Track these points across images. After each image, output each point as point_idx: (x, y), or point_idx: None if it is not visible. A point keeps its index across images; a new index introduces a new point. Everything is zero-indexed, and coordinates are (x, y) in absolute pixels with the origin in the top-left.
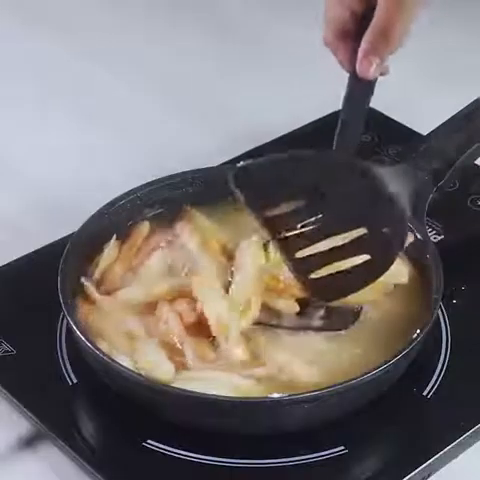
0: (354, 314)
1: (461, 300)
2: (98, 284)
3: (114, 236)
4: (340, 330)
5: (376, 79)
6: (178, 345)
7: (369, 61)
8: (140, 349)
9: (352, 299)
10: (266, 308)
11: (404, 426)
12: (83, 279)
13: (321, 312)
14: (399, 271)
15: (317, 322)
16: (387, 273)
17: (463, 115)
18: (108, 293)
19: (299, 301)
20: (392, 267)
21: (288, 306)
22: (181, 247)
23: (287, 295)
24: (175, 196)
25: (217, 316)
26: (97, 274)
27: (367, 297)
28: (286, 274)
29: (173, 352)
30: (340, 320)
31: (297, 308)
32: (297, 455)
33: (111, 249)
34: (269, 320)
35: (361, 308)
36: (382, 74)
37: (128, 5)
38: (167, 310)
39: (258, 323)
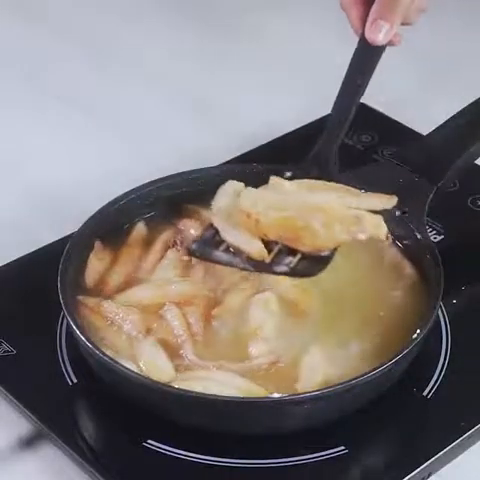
0: (323, 262)
1: (461, 300)
2: (96, 286)
3: (98, 242)
4: (306, 277)
5: (383, 48)
6: (179, 345)
7: (378, 26)
8: (140, 349)
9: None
10: (237, 250)
11: (404, 426)
12: (80, 297)
13: (289, 259)
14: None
15: (282, 268)
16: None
17: (463, 115)
18: (109, 296)
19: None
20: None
21: (258, 253)
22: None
23: (258, 233)
24: (175, 196)
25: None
26: (94, 279)
27: (338, 239)
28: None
29: (174, 352)
30: (307, 267)
31: (266, 255)
32: (297, 455)
33: (100, 254)
34: (237, 262)
35: (331, 255)
36: (391, 43)
37: (128, 5)
38: (173, 310)
39: (225, 264)
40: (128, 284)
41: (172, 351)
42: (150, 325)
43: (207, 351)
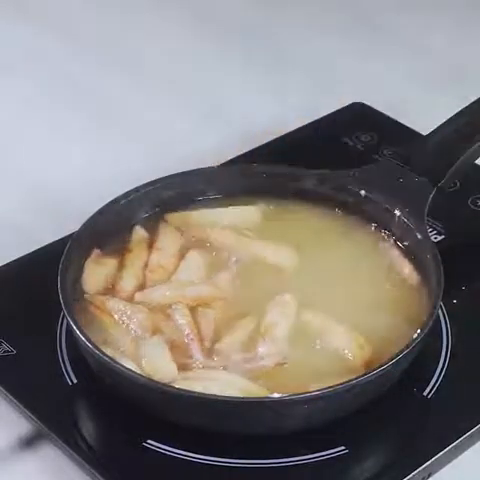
0: None
1: (461, 300)
2: (103, 290)
3: (96, 250)
4: None
5: None
6: (186, 344)
7: None
8: (144, 349)
9: None
10: None
11: (404, 426)
12: (87, 295)
13: None
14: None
15: None
16: None
17: (463, 115)
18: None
19: None
20: None
21: None
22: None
23: None
24: (175, 196)
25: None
26: (95, 283)
27: None
28: None
29: (181, 352)
30: None
31: None
32: (297, 455)
33: (100, 259)
34: None
35: None
36: None
37: (128, 5)
38: (181, 309)
39: None
40: (141, 287)
41: (179, 351)
42: (158, 324)
43: (214, 350)
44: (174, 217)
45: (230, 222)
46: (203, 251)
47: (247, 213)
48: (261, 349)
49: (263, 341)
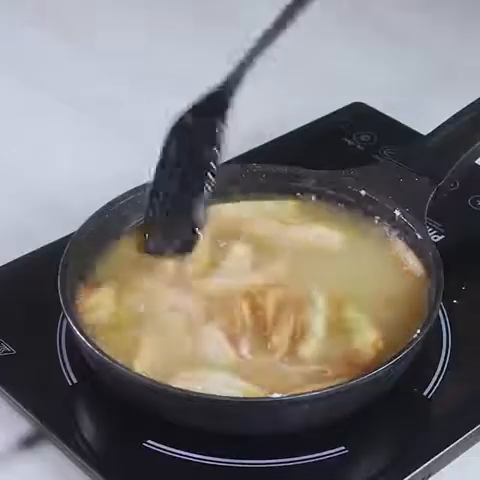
0: None
1: (461, 300)
2: None
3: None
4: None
5: None
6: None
7: None
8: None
9: None
10: None
11: (404, 426)
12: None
13: None
14: None
15: None
16: None
17: (463, 115)
18: None
19: None
20: None
21: None
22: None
23: None
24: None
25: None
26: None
27: None
28: None
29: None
30: None
31: None
32: (297, 455)
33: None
34: None
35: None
36: None
37: (129, 4)
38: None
39: None
40: None
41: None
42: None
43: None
44: None
45: (264, 214)
46: (245, 242)
47: (281, 207)
48: (305, 351)
49: (301, 341)
